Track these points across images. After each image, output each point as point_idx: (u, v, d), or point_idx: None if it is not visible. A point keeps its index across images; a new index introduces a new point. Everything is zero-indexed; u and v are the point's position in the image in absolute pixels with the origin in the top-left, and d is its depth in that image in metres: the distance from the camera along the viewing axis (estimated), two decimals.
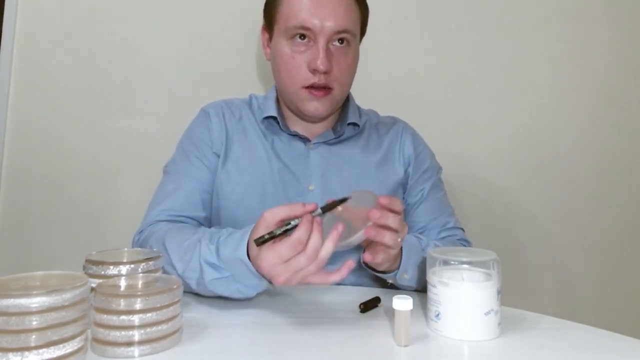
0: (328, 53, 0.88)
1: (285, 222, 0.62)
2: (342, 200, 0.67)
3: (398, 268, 0.80)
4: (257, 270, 0.65)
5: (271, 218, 0.63)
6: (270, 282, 0.66)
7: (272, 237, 0.61)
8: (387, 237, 0.68)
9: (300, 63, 0.89)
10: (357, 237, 0.67)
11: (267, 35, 0.98)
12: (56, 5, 1.30)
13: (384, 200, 0.68)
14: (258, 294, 0.72)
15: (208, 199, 0.93)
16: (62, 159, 1.30)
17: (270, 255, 0.61)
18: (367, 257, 0.73)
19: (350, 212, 0.70)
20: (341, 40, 0.90)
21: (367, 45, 1.37)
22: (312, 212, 0.63)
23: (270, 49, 0.97)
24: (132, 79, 1.32)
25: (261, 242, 0.61)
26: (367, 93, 1.32)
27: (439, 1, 1.43)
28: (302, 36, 0.89)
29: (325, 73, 0.88)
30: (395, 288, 0.99)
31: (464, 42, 1.43)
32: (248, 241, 0.66)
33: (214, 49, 1.34)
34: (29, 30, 1.29)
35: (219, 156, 0.95)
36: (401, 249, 0.79)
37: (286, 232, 0.61)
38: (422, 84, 1.42)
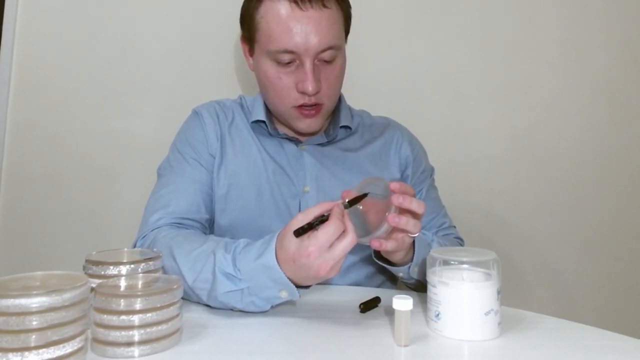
0: (315, 73, 0.85)
1: (317, 217, 0.64)
2: (364, 195, 0.70)
3: (411, 260, 0.79)
4: (287, 275, 0.64)
5: (304, 217, 0.64)
6: (297, 287, 0.66)
7: (310, 227, 0.63)
8: (410, 224, 0.69)
9: (288, 84, 0.86)
10: (384, 229, 0.69)
11: (247, 47, 0.94)
12: (56, 5, 1.30)
13: (394, 186, 0.69)
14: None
15: (209, 201, 0.91)
16: (62, 159, 1.30)
17: (317, 240, 0.61)
18: (375, 243, 0.70)
19: (367, 203, 0.72)
20: (327, 57, 0.86)
21: (367, 47, 1.38)
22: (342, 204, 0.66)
23: (253, 61, 0.93)
24: (131, 79, 1.32)
25: (301, 232, 0.63)
26: (366, 95, 1.32)
27: (439, 2, 1.43)
28: (287, 57, 0.85)
29: (315, 94, 0.86)
30: (395, 284, 1.00)
31: (463, 43, 1.43)
32: (276, 246, 0.65)
33: (212, 49, 1.34)
34: (29, 30, 1.29)
35: (214, 158, 0.93)
36: (413, 242, 0.78)
37: (322, 223, 0.63)
38: (421, 85, 1.42)
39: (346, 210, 0.66)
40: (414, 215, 0.70)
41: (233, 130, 0.96)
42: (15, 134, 1.28)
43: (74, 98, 1.30)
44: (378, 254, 0.82)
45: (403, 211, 0.69)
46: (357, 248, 0.92)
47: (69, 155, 1.30)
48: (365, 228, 0.72)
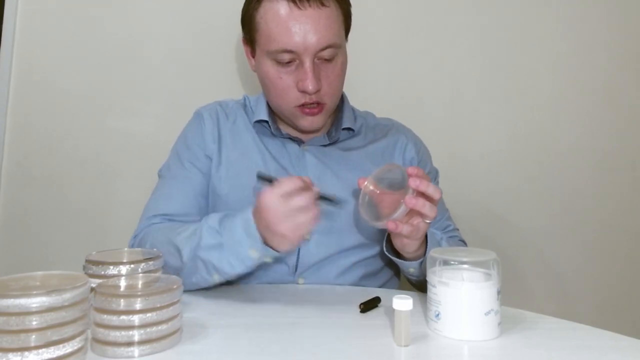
0: (316, 71, 0.85)
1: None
2: (337, 203, 0.74)
3: (423, 255, 0.80)
4: (258, 228, 0.69)
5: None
6: (271, 248, 0.70)
7: (272, 178, 0.71)
8: (427, 207, 0.71)
9: (289, 83, 0.87)
10: (401, 211, 0.71)
11: (248, 48, 0.94)
12: (56, 5, 1.30)
13: (412, 170, 0.71)
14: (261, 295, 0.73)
15: (204, 203, 0.92)
16: (62, 159, 1.30)
17: (273, 191, 0.68)
18: (391, 225, 0.71)
19: (384, 193, 0.74)
20: (327, 55, 0.86)
21: (367, 47, 1.38)
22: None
23: (255, 62, 0.94)
24: (131, 79, 1.32)
25: (262, 177, 0.72)
26: (366, 95, 1.32)
27: (440, 3, 1.43)
28: (287, 57, 0.85)
29: (315, 93, 0.86)
30: (396, 285, 1.00)
31: (463, 43, 1.43)
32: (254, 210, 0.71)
33: (213, 49, 1.34)
34: (29, 30, 1.29)
35: (211, 159, 0.94)
36: (426, 238, 0.79)
37: None
38: (421, 85, 1.42)
39: (316, 188, 0.71)
40: (430, 200, 0.72)
41: (235, 131, 0.97)
42: (15, 134, 1.28)
43: (74, 98, 1.30)
44: (390, 247, 0.82)
45: (420, 195, 0.71)
46: (357, 249, 0.92)
47: (69, 155, 1.30)
48: (379, 216, 0.74)
